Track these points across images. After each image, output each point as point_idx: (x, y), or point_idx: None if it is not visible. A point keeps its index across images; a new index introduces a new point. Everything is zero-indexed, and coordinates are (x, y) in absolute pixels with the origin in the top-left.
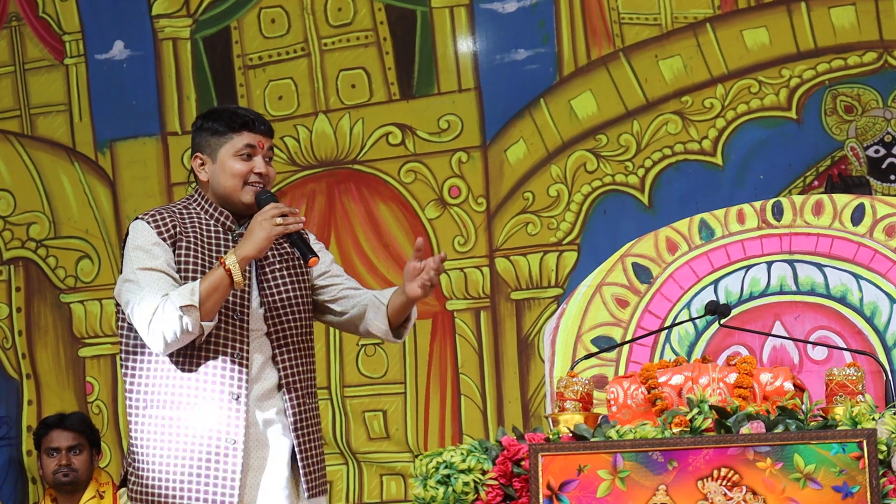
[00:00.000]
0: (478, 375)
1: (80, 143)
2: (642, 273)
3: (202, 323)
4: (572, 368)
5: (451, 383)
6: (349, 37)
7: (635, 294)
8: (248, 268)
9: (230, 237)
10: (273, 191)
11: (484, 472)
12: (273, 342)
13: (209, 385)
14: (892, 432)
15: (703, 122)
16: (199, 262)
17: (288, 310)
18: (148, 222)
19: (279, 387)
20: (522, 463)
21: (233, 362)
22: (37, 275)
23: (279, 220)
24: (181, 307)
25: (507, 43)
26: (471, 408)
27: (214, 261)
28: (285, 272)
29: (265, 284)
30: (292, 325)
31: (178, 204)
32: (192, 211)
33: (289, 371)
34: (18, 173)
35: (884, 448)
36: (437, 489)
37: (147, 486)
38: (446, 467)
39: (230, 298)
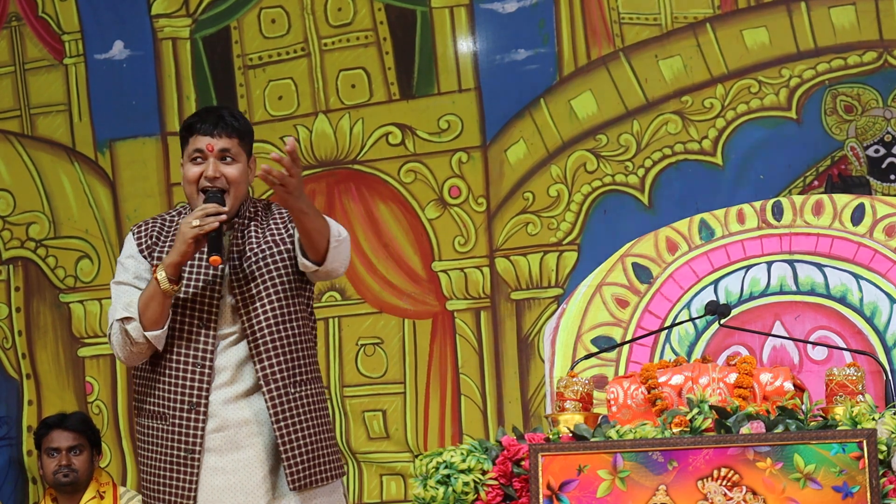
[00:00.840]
0: (478, 375)
1: (80, 143)
2: (642, 273)
3: (147, 333)
4: (572, 368)
5: (451, 383)
6: (349, 37)
7: (635, 294)
8: (218, 273)
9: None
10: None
11: (484, 472)
12: (249, 342)
13: (169, 395)
14: (892, 432)
15: (703, 122)
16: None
17: (263, 304)
18: (133, 233)
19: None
20: (522, 463)
21: (193, 371)
22: (36, 275)
23: (195, 222)
24: (119, 319)
25: (507, 43)
26: (471, 408)
27: (188, 268)
28: (263, 269)
29: (237, 287)
30: (270, 319)
31: (174, 210)
32: (182, 217)
33: (266, 364)
34: (18, 173)
35: (884, 448)
36: (437, 489)
37: (140, 490)
38: (446, 467)
39: (196, 306)
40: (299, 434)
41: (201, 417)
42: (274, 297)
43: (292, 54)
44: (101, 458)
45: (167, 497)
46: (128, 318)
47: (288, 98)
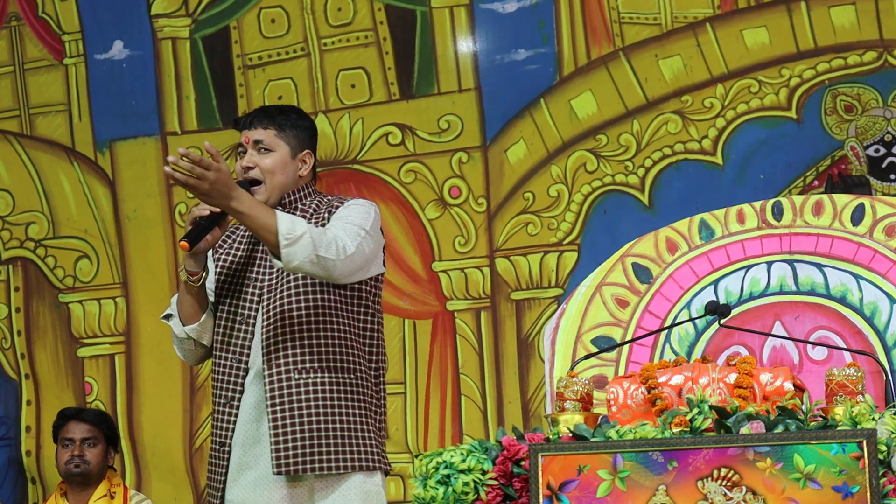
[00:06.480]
0: (478, 375)
1: (80, 143)
2: (642, 273)
3: (185, 328)
4: (572, 368)
5: (451, 383)
6: (349, 37)
7: (635, 294)
8: (259, 271)
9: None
10: None
11: (484, 472)
12: (261, 332)
13: (215, 390)
14: (892, 432)
15: (703, 122)
16: (219, 264)
17: (272, 294)
18: None
19: None
20: (522, 463)
21: (231, 367)
22: (35, 275)
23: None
24: (162, 317)
25: (507, 43)
26: (471, 408)
27: (229, 267)
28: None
29: (261, 277)
30: (276, 307)
31: None
32: None
33: (270, 348)
34: (17, 173)
35: (884, 448)
36: (437, 489)
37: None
38: (446, 467)
39: (239, 303)
40: (293, 418)
41: (235, 412)
42: (285, 288)
43: (292, 54)
44: (113, 458)
45: (208, 489)
46: (170, 315)
47: (288, 98)
